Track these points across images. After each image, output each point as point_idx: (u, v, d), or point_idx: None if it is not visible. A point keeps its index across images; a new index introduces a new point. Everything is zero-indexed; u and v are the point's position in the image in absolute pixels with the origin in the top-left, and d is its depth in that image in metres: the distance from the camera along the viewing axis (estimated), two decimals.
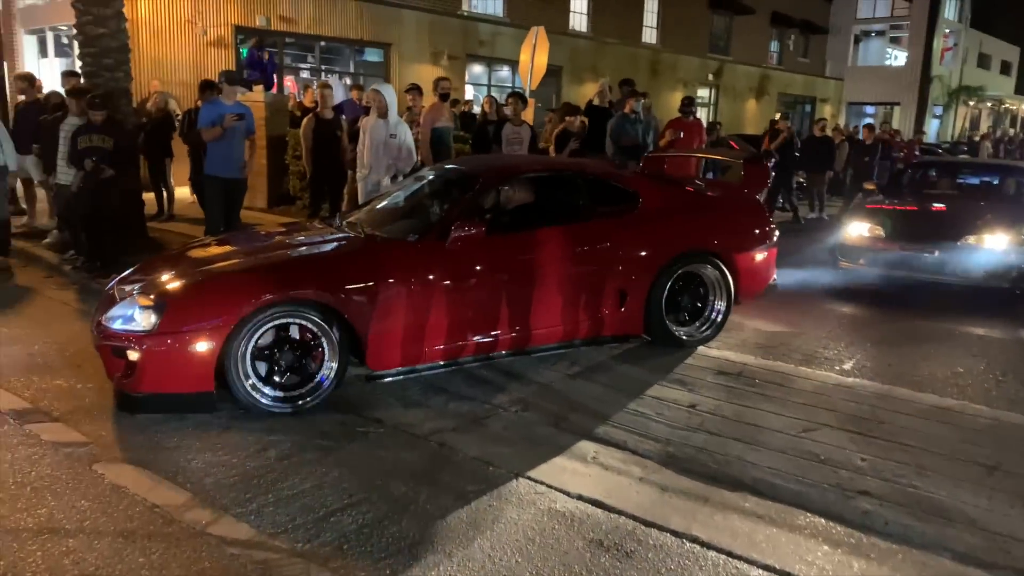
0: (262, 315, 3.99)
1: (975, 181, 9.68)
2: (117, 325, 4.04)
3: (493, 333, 4.69)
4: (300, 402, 4.16)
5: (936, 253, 7.08)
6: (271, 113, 11.61)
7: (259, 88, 12.05)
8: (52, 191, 8.06)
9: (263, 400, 4.09)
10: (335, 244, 4.75)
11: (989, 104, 42.26)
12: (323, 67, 17.84)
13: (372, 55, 18.61)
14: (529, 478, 3.53)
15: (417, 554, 2.91)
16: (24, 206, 9.54)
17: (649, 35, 25.21)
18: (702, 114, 25.27)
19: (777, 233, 5.85)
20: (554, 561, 2.90)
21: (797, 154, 13.99)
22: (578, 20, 22.92)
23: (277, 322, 4.07)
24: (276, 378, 4.15)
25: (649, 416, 4.29)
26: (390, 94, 7.13)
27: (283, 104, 12.10)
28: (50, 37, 17.19)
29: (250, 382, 4.05)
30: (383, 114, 7.03)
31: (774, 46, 30.86)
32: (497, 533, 3.07)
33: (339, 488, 3.37)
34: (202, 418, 4.04)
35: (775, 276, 5.92)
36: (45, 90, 10.01)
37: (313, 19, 16.57)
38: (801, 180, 14.31)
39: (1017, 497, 3.50)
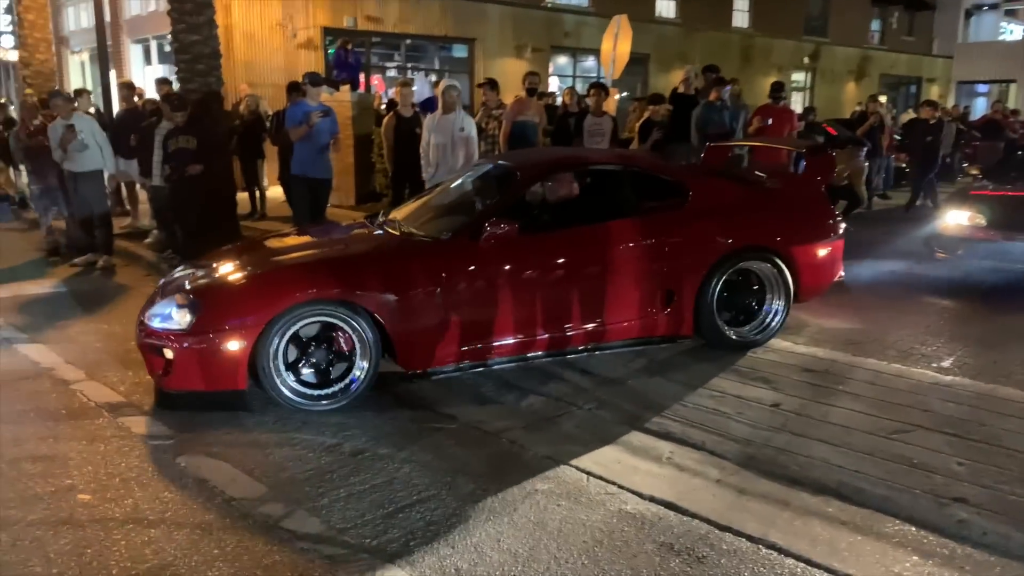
0: (291, 315, 4.02)
1: None
2: (156, 323, 4.14)
3: (528, 334, 4.57)
4: (327, 402, 4.17)
5: None
6: (358, 112, 11.85)
7: (346, 88, 12.31)
8: (150, 193, 8.47)
9: (294, 398, 4.12)
10: (369, 244, 4.76)
11: None
12: (409, 64, 18.11)
13: (457, 51, 18.76)
14: (600, 478, 3.46)
15: (482, 552, 2.90)
16: (128, 207, 10.08)
17: (740, 19, 24.43)
18: (797, 99, 24.35)
19: (843, 226, 5.48)
20: (621, 565, 2.83)
21: (898, 137, 13.29)
22: (665, 6, 22.43)
23: (307, 321, 4.09)
24: (306, 377, 4.17)
25: (729, 415, 4.14)
26: (424, 87, 7.19)
27: (369, 103, 12.33)
28: (154, 45, 18.09)
29: (280, 380, 4.08)
30: (451, 109, 7.04)
31: (876, 25, 29.34)
32: (564, 534, 3.02)
33: (409, 484, 3.40)
34: (281, 412, 4.15)
35: (842, 272, 5.57)
36: (147, 97, 10.53)
37: (399, 18, 16.83)
38: (903, 166, 13.57)
39: None
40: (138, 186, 9.60)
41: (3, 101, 12.66)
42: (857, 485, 3.39)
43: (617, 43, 11.53)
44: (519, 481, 3.43)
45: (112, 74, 16.34)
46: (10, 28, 16.56)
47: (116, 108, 10.04)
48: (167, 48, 17.56)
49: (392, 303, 4.20)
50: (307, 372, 4.17)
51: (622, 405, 4.28)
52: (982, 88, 35.61)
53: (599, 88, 8.71)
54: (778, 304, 5.16)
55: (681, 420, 4.08)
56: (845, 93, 27.17)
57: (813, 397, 4.39)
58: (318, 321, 4.13)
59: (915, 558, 2.87)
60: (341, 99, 11.86)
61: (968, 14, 36.88)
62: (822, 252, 5.30)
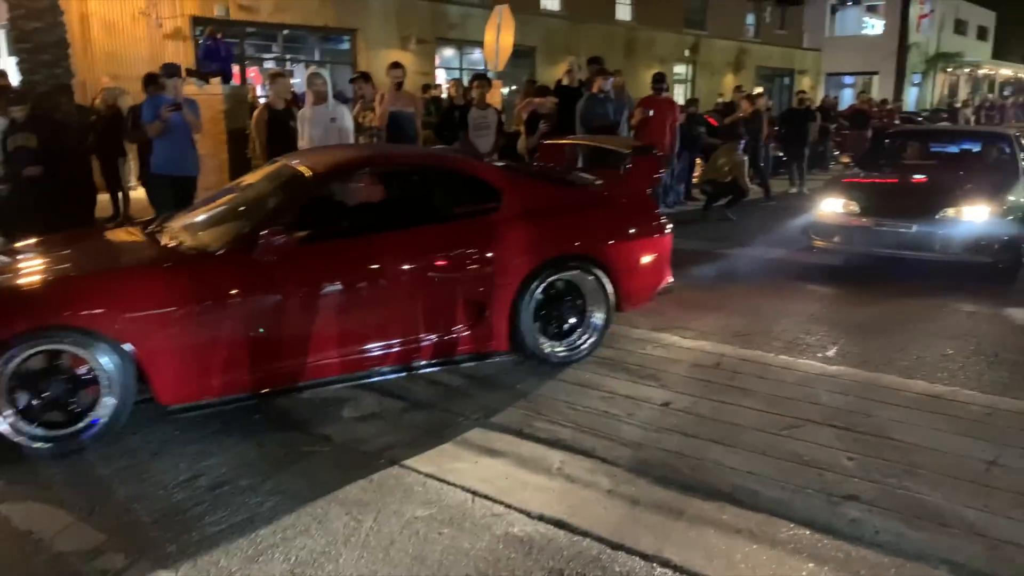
0: (14, 347, 3.39)
1: (955, 150, 9.36)
2: None
3: (316, 358, 3.99)
4: (67, 444, 3.55)
5: (913, 228, 6.78)
6: (231, 105, 11.15)
7: (217, 80, 11.59)
8: None
9: (25, 442, 3.48)
10: (127, 256, 4.23)
11: (967, 70, 42.04)
12: (288, 56, 17.34)
13: (338, 42, 18.11)
14: (487, 497, 3.21)
15: None
16: None
17: (624, 12, 24.77)
18: (680, 91, 24.91)
19: (669, 229, 5.08)
20: None
21: (778, 128, 13.68)
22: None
23: (28, 353, 3.44)
24: (36, 413, 3.52)
25: (620, 417, 3.99)
26: (329, 79, 6.79)
27: (243, 96, 11.65)
28: (1, 34, 16.58)
29: (5, 415, 3.44)
30: (322, 99, 6.67)
31: (750, 19, 30.45)
32: (446, 568, 2.75)
33: (273, 520, 3.04)
34: (133, 442, 3.70)
35: (670, 278, 5.19)
36: None
37: (275, 7, 16.05)
38: (780, 154, 14.01)
39: (1020, 496, 3.21)
40: None
41: None
42: (751, 488, 3.28)
43: (500, 34, 11.32)
44: (398, 508, 3.13)
45: None
46: None
47: None
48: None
49: (143, 328, 3.59)
50: (24, 403, 3.48)
51: (511, 412, 4.05)
52: (848, 79, 37.64)
53: (482, 80, 8.46)
54: (599, 315, 4.75)
55: (571, 425, 3.89)
56: (724, 85, 28.04)
57: (704, 394, 4.30)
58: (42, 351, 3.48)
59: (811, 565, 2.76)
60: (212, 92, 11.14)
61: (833, 9, 38.89)
62: (645, 259, 4.94)
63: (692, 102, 12.33)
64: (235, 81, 13.47)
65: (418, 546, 2.88)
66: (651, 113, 9.32)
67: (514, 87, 18.80)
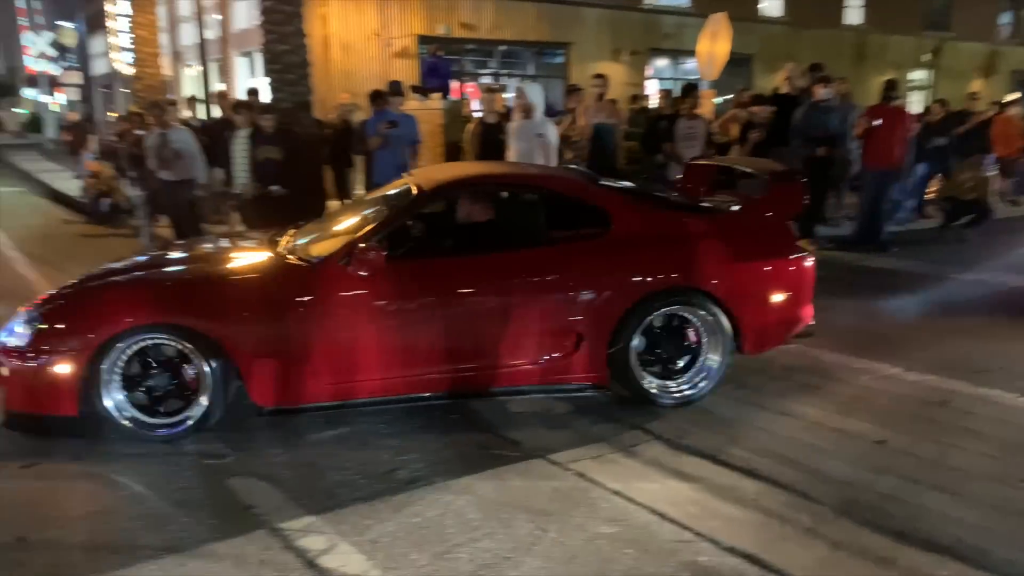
0: (128, 340, 3.70)
1: None
2: (1, 336, 3.90)
3: (404, 373, 4.02)
4: (161, 431, 3.83)
5: None
6: (448, 119, 11.78)
7: (437, 95, 12.27)
8: (235, 201, 8.60)
9: (130, 425, 3.79)
10: (240, 262, 4.36)
11: None
12: (504, 71, 18.01)
13: (552, 56, 18.53)
14: (674, 522, 3.10)
15: None
16: (222, 215, 10.30)
17: (853, 15, 23.17)
18: (918, 99, 22.84)
19: (810, 263, 4.46)
20: None
21: None
22: (771, 4, 21.52)
23: (142, 345, 3.75)
24: (145, 404, 3.83)
25: (826, 452, 3.70)
26: (534, 93, 6.92)
27: (459, 110, 12.25)
28: (257, 58, 18.65)
29: (112, 405, 3.74)
30: (528, 114, 6.82)
31: (1006, 17, 27.26)
32: None
33: (463, 520, 3.13)
34: (343, 432, 3.98)
35: (810, 319, 4.57)
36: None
37: (493, 24, 16.77)
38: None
39: None
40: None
41: (123, 113, 13.28)
42: (979, 544, 2.90)
43: (715, 43, 10.99)
44: (582, 522, 3.11)
45: (222, 86, 16.98)
46: (131, 45, 17.42)
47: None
48: None
49: (242, 331, 3.81)
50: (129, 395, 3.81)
51: (705, 436, 3.89)
52: None
53: (692, 89, 8.27)
54: (714, 358, 4.29)
55: (770, 455, 3.66)
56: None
57: (927, 434, 3.87)
58: (155, 344, 3.78)
59: None
60: (432, 107, 11.83)
61: None
62: (775, 296, 4.39)
63: (941, 104, 11.13)
64: (453, 96, 14.20)
65: (600, 563, 2.83)
66: (878, 123, 8.60)
67: (729, 96, 18.21)
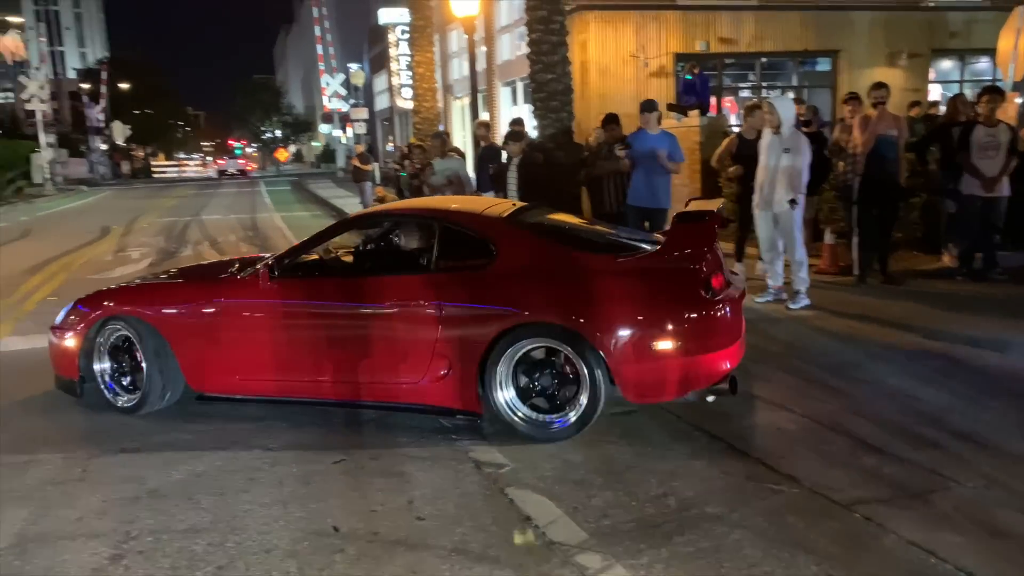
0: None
1: None
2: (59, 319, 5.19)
3: (295, 377, 4.68)
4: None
5: None
6: (706, 137, 11.59)
7: (695, 113, 12.11)
8: None
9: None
10: (219, 270, 5.30)
11: None
12: (764, 84, 17.36)
13: (817, 65, 17.52)
14: None
15: None
16: None
17: None
18: None
19: (717, 315, 4.09)
20: None
21: None
22: None
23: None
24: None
25: None
26: (784, 107, 6.57)
27: (719, 127, 11.99)
28: (519, 87, 19.68)
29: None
30: (777, 129, 6.50)
31: None
32: None
33: (739, 554, 3.02)
34: (611, 451, 4.03)
35: (720, 377, 4.11)
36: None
37: (754, 36, 16.23)
38: None
39: None
40: None
41: (402, 143, 14.65)
42: None
43: (1020, 39, 9.73)
44: (876, 572, 2.86)
45: (485, 115, 18.14)
46: (410, 82, 19.20)
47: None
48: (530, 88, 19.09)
49: (182, 326, 4.81)
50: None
51: (1022, 489, 3.42)
52: None
53: (993, 93, 7.37)
54: (581, 398, 4.11)
55: None
56: None
57: None
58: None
59: None
60: (689, 124, 11.71)
61: None
62: (660, 345, 4.03)
63: None
64: (711, 112, 13.92)
65: None
66: None
67: None
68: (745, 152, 7.66)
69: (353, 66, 45.92)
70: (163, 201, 28.16)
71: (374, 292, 4.54)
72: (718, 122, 12.38)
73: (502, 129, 18.26)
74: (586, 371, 4.07)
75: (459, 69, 24.54)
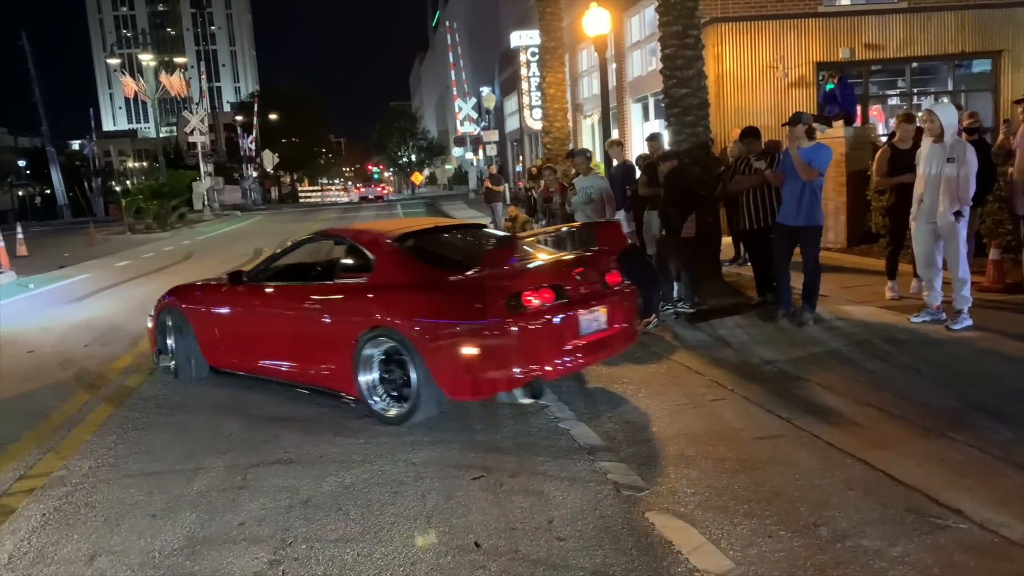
0: None
1: None
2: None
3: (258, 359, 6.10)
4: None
5: None
6: (850, 148, 11.03)
7: (839, 123, 11.57)
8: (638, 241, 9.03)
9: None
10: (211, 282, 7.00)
11: None
12: (915, 90, 16.34)
13: (975, 67, 16.33)
14: None
15: None
16: None
17: None
18: None
19: (513, 327, 4.61)
20: None
21: None
22: None
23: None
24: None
25: None
26: (945, 114, 6.11)
27: (865, 137, 11.39)
28: (651, 102, 19.48)
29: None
30: (939, 138, 6.05)
31: None
32: None
33: None
34: (757, 477, 3.89)
35: (527, 380, 4.71)
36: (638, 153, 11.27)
37: (903, 40, 15.34)
38: None
39: None
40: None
41: (532, 164, 14.82)
42: None
43: None
44: None
45: (615, 132, 18.07)
46: (539, 103, 19.45)
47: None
48: (661, 104, 18.84)
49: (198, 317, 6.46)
50: None
51: None
52: None
53: None
54: (410, 391, 4.99)
55: None
56: None
57: None
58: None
59: None
60: (834, 135, 11.18)
61: None
62: (465, 349, 4.72)
63: None
64: (857, 122, 13.25)
65: None
66: None
67: None
68: (900, 162, 7.23)
69: (485, 89, 47.05)
70: (310, 224, 29.77)
71: (298, 297, 5.72)
72: (864, 132, 11.73)
73: (635, 147, 18.18)
74: (412, 369, 4.89)
75: (589, 88, 24.60)
